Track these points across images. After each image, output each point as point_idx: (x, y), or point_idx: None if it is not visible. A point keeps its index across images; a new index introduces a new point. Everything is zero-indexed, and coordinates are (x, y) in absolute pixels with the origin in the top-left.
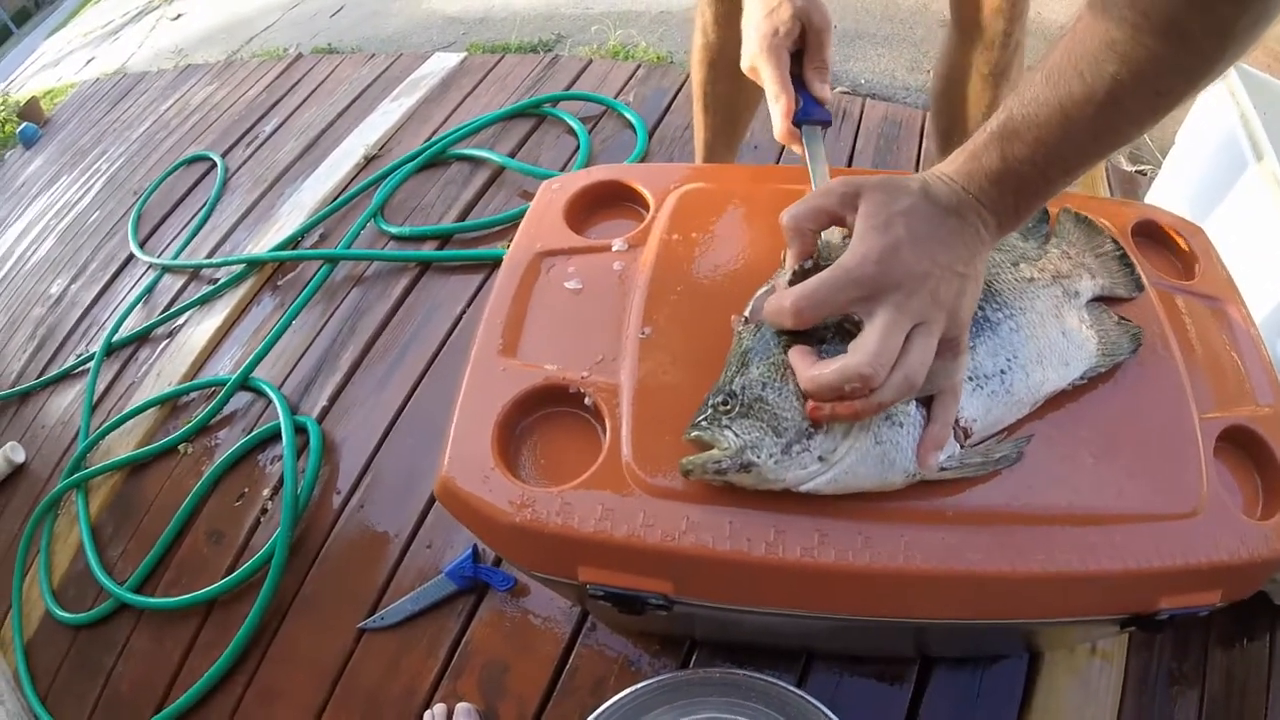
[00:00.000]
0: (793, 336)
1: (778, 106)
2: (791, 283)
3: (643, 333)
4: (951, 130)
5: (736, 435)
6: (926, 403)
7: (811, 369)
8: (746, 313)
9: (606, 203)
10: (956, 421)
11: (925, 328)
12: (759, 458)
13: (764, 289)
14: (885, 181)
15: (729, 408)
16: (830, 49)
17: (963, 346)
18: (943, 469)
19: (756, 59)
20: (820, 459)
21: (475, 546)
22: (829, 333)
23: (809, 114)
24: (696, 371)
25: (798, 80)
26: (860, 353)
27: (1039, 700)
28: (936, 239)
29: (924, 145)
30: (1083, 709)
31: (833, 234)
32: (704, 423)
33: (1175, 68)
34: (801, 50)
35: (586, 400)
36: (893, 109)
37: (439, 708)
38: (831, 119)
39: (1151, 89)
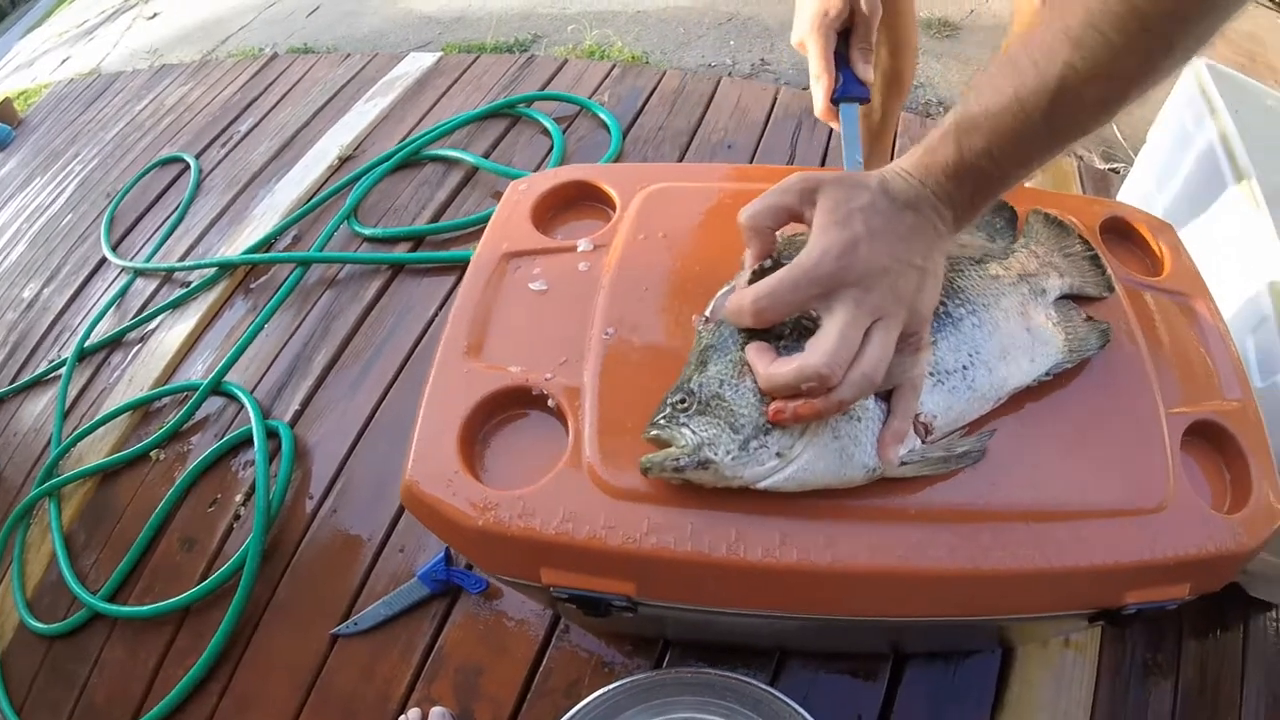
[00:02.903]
0: (751, 334)
1: (819, 85)
2: (751, 282)
3: (606, 333)
4: None
5: (694, 433)
6: (886, 397)
7: (769, 367)
8: (708, 312)
9: (574, 203)
10: (917, 417)
11: (884, 323)
12: (716, 455)
13: (725, 288)
14: (843, 178)
15: (686, 405)
16: (876, 33)
17: (924, 341)
18: (904, 464)
19: (806, 36)
20: (778, 455)
21: (447, 550)
22: (787, 329)
23: (848, 90)
24: (659, 372)
25: (841, 58)
26: (818, 351)
27: (1013, 693)
28: (895, 234)
29: (897, 144)
30: (1056, 701)
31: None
32: (662, 421)
33: (1130, 53)
34: (849, 30)
35: (550, 402)
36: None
37: (414, 712)
38: (869, 96)
39: (1105, 75)
